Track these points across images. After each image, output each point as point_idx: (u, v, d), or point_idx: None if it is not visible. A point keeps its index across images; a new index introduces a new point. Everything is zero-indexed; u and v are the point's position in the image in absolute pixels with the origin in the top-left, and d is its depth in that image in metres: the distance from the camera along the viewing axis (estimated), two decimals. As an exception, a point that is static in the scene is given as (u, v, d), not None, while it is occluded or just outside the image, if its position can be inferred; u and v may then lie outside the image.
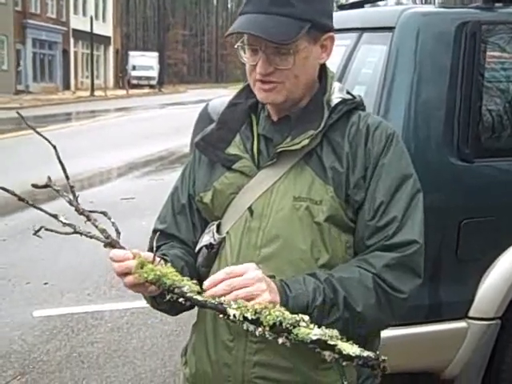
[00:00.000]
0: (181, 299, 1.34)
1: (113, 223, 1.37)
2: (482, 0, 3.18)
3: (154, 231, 1.70)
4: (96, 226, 1.38)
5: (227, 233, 1.59)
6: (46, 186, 1.42)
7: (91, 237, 1.38)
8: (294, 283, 1.42)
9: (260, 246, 1.53)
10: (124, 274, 1.39)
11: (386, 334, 1.74)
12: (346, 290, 1.44)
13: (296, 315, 1.29)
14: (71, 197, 1.40)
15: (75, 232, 1.38)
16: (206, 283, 1.35)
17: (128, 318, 5.00)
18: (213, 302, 1.30)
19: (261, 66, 1.50)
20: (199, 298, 1.32)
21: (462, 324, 2.95)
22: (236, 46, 1.56)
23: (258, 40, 1.48)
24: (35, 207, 1.43)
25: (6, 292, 5.48)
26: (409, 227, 1.50)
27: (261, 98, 1.56)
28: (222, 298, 1.31)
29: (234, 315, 1.28)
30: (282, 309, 1.31)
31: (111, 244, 1.39)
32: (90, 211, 1.40)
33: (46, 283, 5.68)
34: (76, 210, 1.38)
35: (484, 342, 2.99)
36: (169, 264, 1.42)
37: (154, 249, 1.42)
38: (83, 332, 4.73)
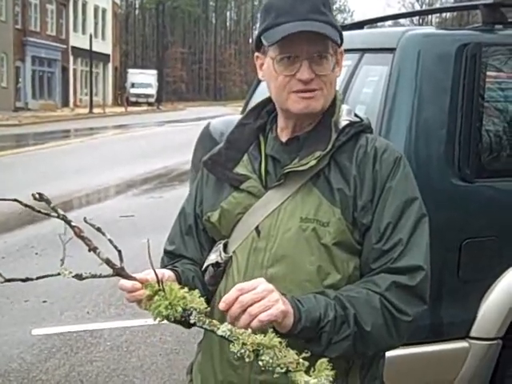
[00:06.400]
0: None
1: (110, 241, 1.37)
2: (482, 22, 3.21)
3: (165, 252, 1.75)
4: (98, 255, 1.38)
5: (234, 252, 1.60)
6: (44, 200, 1.40)
7: (99, 276, 1.38)
8: (304, 299, 1.43)
9: (266, 266, 1.54)
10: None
11: (389, 353, 1.74)
12: (355, 308, 1.45)
13: (293, 354, 1.29)
14: (71, 221, 1.39)
15: (82, 278, 1.39)
16: (221, 305, 1.36)
17: (127, 336, 4.98)
18: (221, 333, 1.32)
19: (305, 71, 1.51)
20: (207, 326, 1.34)
21: (463, 344, 2.95)
22: (261, 63, 1.60)
23: (297, 47, 1.50)
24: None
25: (4, 310, 5.46)
26: (414, 252, 1.51)
27: (300, 108, 1.55)
28: (225, 328, 1.31)
29: (235, 352, 1.30)
30: (277, 343, 1.30)
31: (117, 274, 1.40)
32: (88, 223, 1.38)
33: (44, 301, 5.66)
34: (76, 235, 1.38)
35: (485, 362, 2.99)
36: (174, 283, 1.42)
37: (160, 280, 1.40)
38: (82, 351, 4.72)
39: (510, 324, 2.98)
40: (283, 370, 1.27)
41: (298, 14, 1.52)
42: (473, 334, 2.95)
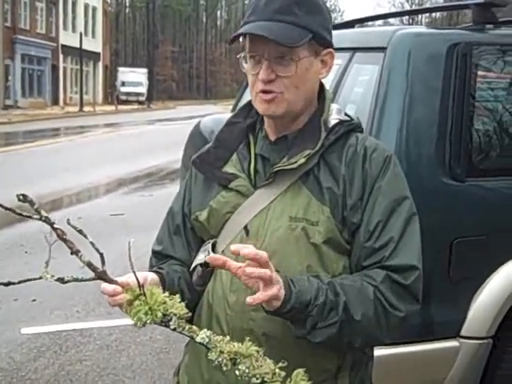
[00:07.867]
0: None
1: (91, 243, 1.33)
2: (472, 21, 3.21)
3: (153, 252, 1.73)
4: (80, 258, 1.35)
5: (222, 252, 1.58)
6: (27, 201, 1.38)
7: (81, 280, 1.35)
8: (298, 280, 1.42)
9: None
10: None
11: (378, 353, 1.73)
12: (346, 295, 1.44)
13: (269, 364, 1.27)
14: (54, 223, 1.36)
15: (65, 282, 1.36)
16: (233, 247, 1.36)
17: (117, 335, 4.97)
18: (199, 340, 1.30)
19: (263, 71, 1.51)
20: (187, 333, 1.33)
21: (453, 343, 2.95)
22: (238, 57, 1.57)
23: (260, 47, 1.50)
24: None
25: (-7, 309, 5.43)
26: (407, 251, 1.50)
27: (262, 109, 1.56)
28: (204, 335, 1.30)
29: (212, 359, 1.29)
30: (254, 352, 1.28)
31: (99, 277, 1.38)
32: (71, 225, 1.35)
33: (33, 300, 5.63)
34: (58, 237, 1.35)
35: (475, 362, 2.99)
36: (156, 287, 1.39)
37: (140, 284, 1.37)
38: (72, 350, 4.70)
39: (501, 323, 2.98)
40: (259, 381, 1.24)
41: (264, 14, 1.51)
42: (463, 333, 2.95)
